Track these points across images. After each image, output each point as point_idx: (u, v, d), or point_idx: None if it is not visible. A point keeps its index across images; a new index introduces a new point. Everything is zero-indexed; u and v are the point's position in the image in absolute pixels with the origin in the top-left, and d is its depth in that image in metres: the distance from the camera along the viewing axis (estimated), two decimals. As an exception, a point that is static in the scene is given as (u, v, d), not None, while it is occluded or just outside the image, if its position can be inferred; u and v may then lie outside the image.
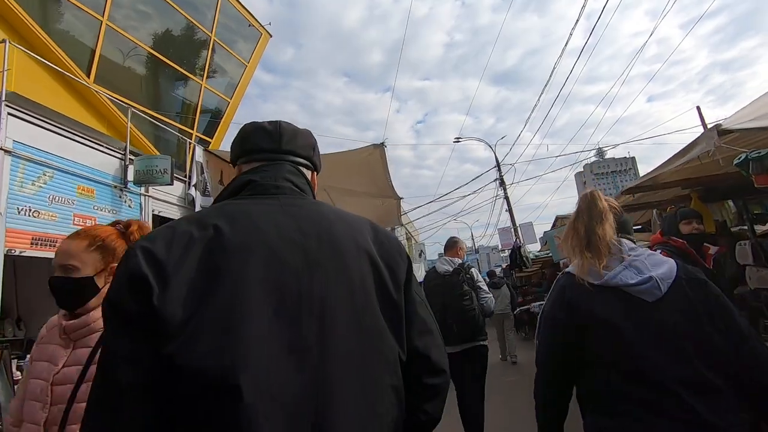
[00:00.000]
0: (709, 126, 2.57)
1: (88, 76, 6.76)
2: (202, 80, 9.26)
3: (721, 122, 2.35)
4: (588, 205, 1.41)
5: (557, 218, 5.94)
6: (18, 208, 3.60)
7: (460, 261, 3.48)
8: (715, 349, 1.14)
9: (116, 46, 7.46)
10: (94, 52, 6.95)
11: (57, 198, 3.96)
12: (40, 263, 4.46)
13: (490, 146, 21.85)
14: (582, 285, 1.27)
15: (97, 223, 4.36)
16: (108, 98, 6.68)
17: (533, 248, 11.70)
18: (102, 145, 4.56)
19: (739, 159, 2.47)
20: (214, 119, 9.92)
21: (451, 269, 3.35)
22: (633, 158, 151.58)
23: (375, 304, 0.79)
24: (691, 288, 1.21)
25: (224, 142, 9.90)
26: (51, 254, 4.11)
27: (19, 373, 3.88)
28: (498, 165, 20.42)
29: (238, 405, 0.60)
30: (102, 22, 7.00)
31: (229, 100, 10.16)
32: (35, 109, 3.88)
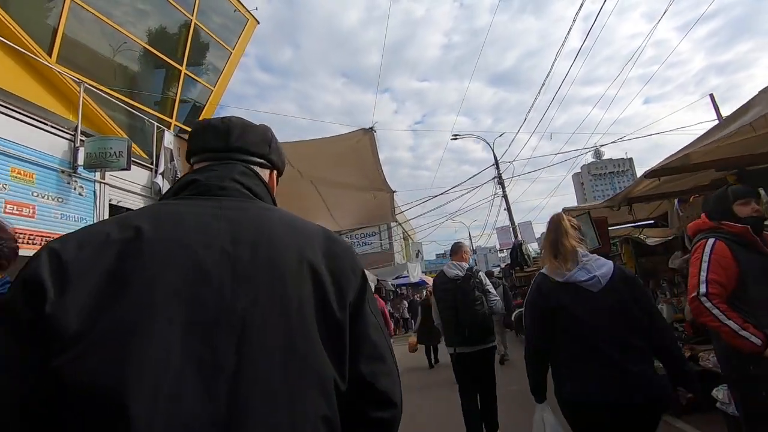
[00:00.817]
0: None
1: (50, 56, 6.17)
2: (182, 66, 8.67)
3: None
4: (555, 225, 2.01)
5: (564, 210, 5.38)
6: (-73, 191, 3.01)
7: (468, 265, 3.60)
8: (637, 322, 1.79)
9: (83, 25, 6.86)
10: (56, 30, 6.35)
11: (-17, 181, 3.37)
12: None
13: (487, 143, 21.36)
14: (551, 281, 1.92)
15: (37, 212, 3.78)
16: (71, 78, 6.07)
17: (533, 248, 11.16)
18: (46, 124, 3.97)
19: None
20: (195, 108, 9.33)
21: (461, 274, 3.48)
22: (630, 159, 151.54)
23: (311, 324, 0.70)
24: (623, 282, 1.84)
25: (207, 132, 9.31)
26: None
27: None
28: (496, 162, 19.95)
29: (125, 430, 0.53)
30: (66, -4, 6.40)
31: (212, 88, 9.56)
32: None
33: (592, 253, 1.96)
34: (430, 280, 25.57)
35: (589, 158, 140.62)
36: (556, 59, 9.78)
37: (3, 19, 5.50)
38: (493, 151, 20.06)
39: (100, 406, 0.55)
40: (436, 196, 16.69)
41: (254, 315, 0.66)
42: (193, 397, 0.58)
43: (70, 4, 6.45)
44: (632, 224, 6.23)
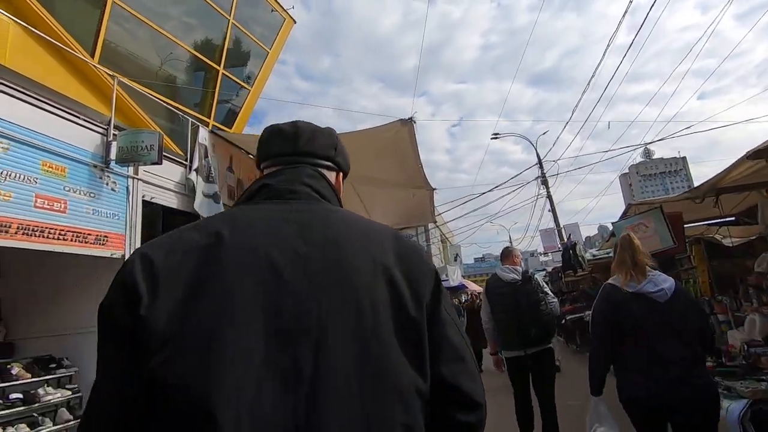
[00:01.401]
0: None
1: (92, 57, 6.25)
2: (220, 66, 8.67)
3: None
4: (628, 243, 2.32)
5: (629, 206, 4.79)
6: (-44, 184, 2.92)
7: (521, 269, 3.66)
8: (696, 332, 2.13)
9: (122, 26, 6.95)
10: (98, 30, 6.44)
11: (14, 174, 3.27)
12: (26, 257, 3.83)
13: (530, 142, 20.46)
14: (621, 291, 2.23)
15: (68, 206, 3.67)
16: (106, 72, 6.10)
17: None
18: (79, 117, 3.88)
19: None
20: (233, 108, 9.33)
21: (519, 278, 3.55)
22: (684, 158, 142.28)
23: (389, 328, 0.68)
24: (684, 295, 2.21)
25: (243, 133, 9.28)
26: (7, 242, 3.47)
27: None
28: (540, 162, 19.02)
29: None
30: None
31: (249, 88, 9.54)
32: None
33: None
34: (470, 285, 24.86)
35: (637, 158, 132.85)
36: (604, 55, 9.08)
37: (43, 16, 5.60)
38: (536, 149, 19.15)
39: (188, 410, 0.56)
40: (476, 196, 16.04)
41: (329, 320, 0.65)
42: (273, 402, 0.59)
43: (111, 6, 6.53)
44: (708, 221, 5.47)
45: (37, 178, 3.43)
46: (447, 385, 0.72)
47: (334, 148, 0.92)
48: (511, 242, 37.29)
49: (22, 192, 3.31)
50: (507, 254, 3.85)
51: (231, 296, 0.62)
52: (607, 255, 7.49)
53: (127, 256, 4.35)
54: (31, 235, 3.30)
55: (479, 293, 11.71)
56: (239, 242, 0.68)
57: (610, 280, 2.34)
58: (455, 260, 29.05)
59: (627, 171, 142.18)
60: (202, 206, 5.10)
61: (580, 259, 7.38)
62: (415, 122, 5.15)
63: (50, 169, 3.56)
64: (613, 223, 4.95)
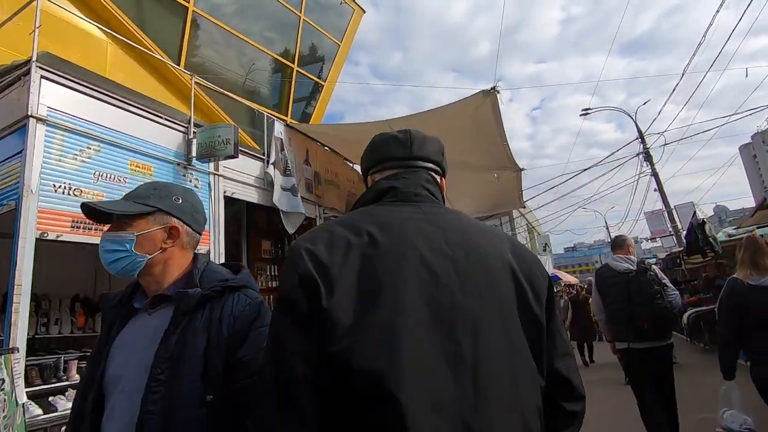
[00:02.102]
0: None
1: (178, 64, 6.60)
2: (294, 64, 8.77)
3: None
4: (754, 243, 2.61)
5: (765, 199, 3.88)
6: (55, 185, 3.07)
7: (636, 259, 3.54)
8: None
9: (204, 32, 7.27)
10: (182, 40, 6.80)
11: (104, 175, 3.40)
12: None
13: (628, 114, 18.23)
14: (745, 284, 2.54)
15: (155, 204, 3.77)
16: (197, 85, 6.40)
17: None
18: (161, 117, 3.97)
19: None
20: (308, 104, 9.41)
21: (634, 268, 3.42)
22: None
23: (519, 322, 0.77)
24: None
25: (320, 124, 9.32)
26: (96, 239, 3.62)
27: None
28: (641, 135, 16.83)
29: (400, 412, 0.63)
30: (188, 8, 6.81)
31: (323, 83, 9.56)
32: (77, 74, 3.37)
33: None
34: (563, 276, 23.02)
35: (763, 125, 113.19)
36: (719, 8, 7.54)
37: (135, 31, 6.01)
38: (635, 122, 16.98)
39: (372, 389, 0.64)
40: (571, 175, 14.60)
41: (479, 314, 0.73)
42: (444, 384, 0.67)
43: (192, 15, 6.85)
44: None
45: (126, 178, 3.54)
46: (561, 379, 0.83)
47: (442, 153, 0.99)
48: (607, 229, 33.92)
49: (112, 191, 3.42)
50: (620, 243, 3.66)
51: (401, 292, 0.70)
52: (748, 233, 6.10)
53: (212, 252, 4.44)
54: (122, 233, 3.41)
55: (582, 285, 10.63)
56: (392, 241, 0.76)
57: (735, 274, 2.68)
58: (544, 251, 27.18)
59: (750, 141, 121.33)
60: (281, 200, 5.06)
61: (710, 240, 6.11)
62: (498, 92, 4.57)
63: (137, 169, 3.66)
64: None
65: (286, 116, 8.53)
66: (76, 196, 3.18)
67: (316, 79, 9.43)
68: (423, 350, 0.67)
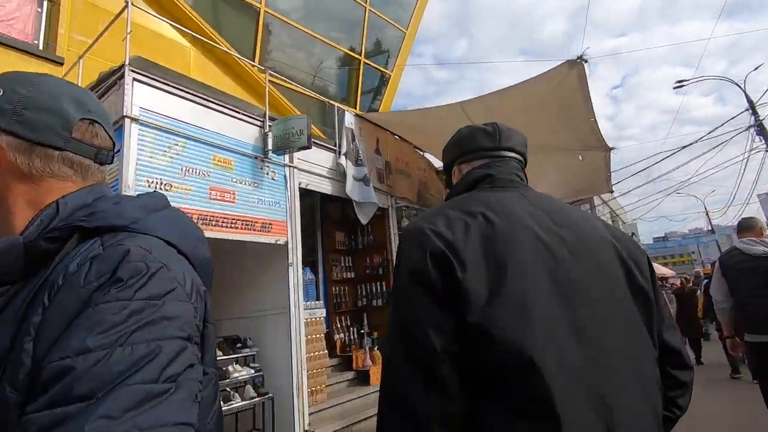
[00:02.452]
0: None
1: (252, 61, 6.87)
2: (361, 56, 8.74)
3: None
4: None
5: None
6: (148, 181, 3.26)
7: None
8: None
9: (274, 31, 7.47)
10: (256, 40, 7.04)
11: (190, 170, 3.56)
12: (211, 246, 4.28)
13: (736, 84, 15.90)
14: None
15: (237, 197, 3.89)
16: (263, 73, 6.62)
17: None
18: (239, 112, 4.09)
19: None
20: (376, 95, 9.36)
21: None
22: None
23: (629, 296, 0.80)
24: None
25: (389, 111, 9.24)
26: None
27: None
28: (752, 106, 14.60)
29: (543, 380, 0.64)
30: (260, 9, 7.03)
31: (389, 73, 9.44)
32: (163, 75, 3.55)
33: None
34: (658, 267, 20.83)
35: None
36: None
37: (206, 29, 6.31)
38: (744, 91, 14.76)
39: (512, 355, 0.66)
40: (667, 154, 13.12)
41: (594, 289, 0.76)
42: (573, 353, 0.69)
43: (264, 15, 7.06)
44: None
45: (209, 172, 3.69)
46: (671, 349, 0.86)
47: (525, 145, 1.03)
48: (708, 215, 30.15)
49: (198, 185, 3.58)
50: (751, 225, 3.38)
51: (526, 266, 0.74)
52: None
53: (290, 243, 4.51)
54: (207, 225, 3.55)
55: (687, 277, 9.48)
56: (507, 222, 0.79)
57: None
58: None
59: None
60: (353, 190, 5.02)
61: None
62: (587, 61, 4.08)
63: (220, 163, 3.80)
64: None
65: (355, 108, 8.55)
66: (166, 190, 3.35)
67: (383, 69, 9.33)
68: (554, 321, 0.70)
